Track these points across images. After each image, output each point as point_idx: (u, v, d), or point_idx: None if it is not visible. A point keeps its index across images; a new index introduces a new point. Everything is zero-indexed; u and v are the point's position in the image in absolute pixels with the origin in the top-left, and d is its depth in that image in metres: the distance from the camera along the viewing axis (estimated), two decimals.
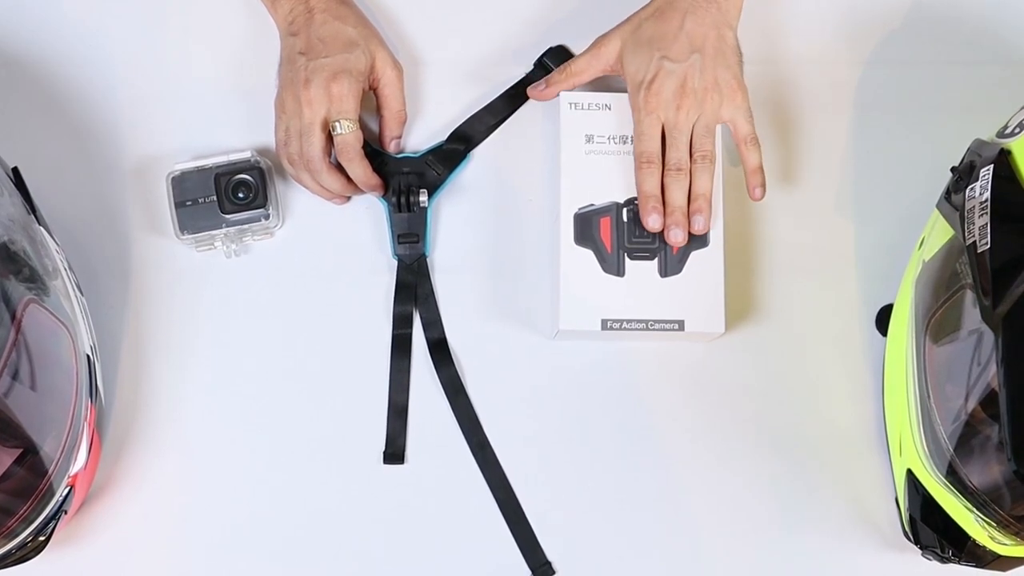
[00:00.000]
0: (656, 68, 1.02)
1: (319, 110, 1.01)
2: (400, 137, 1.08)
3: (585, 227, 1.02)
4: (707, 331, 1.02)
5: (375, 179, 1.04)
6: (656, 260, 1.02)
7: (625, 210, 1.02)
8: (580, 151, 1.04)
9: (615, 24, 1.06)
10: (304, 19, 1.04)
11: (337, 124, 1.01)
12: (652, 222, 1.01)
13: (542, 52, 1.10)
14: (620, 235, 1.02)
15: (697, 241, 1.02)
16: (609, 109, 1.04)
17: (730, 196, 1.06)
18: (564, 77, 1.06)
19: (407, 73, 1.09)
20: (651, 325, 1.01)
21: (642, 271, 1.02)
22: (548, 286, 1.04)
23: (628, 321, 1.01)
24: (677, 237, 1.01)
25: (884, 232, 1.09)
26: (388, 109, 1.06)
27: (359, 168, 1.03)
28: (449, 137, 1.09)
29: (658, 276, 1.02)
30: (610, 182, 1.03)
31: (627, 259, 1.02)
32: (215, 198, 1.04)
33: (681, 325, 1.01)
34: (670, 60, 1.01)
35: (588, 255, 1.02)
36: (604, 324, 1.01)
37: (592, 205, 1.03)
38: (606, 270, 1.02)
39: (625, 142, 1.04)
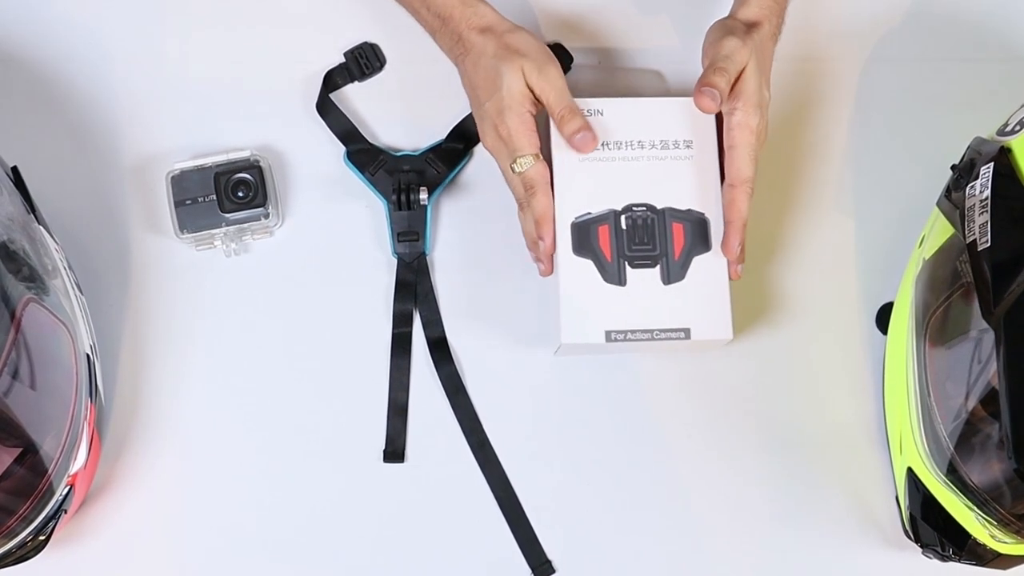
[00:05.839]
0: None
1: (503, 156, 1.00)
2: (579, 131, 0.99)
3: (583, 236, 0.99)
4: (714, 338, 0.99)
5: (548, 215, 0.99)
6: (658, 267, 0.99)
7: (623, 217, 0.99)
8: (574, 158, 1.00)
9: (611, 23, 1.05)
10: (461, 58, 1.02)
11: (515, 165, 0.99)
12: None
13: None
14: (619, 243, 0.99)
15: (699, 245, 1.00)
16: (602, 115, 1.01)
17: None
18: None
19: (411, 70, 1.09)
20: (656, 335, 0.98)
21: (644, 279, 0.99)
22: (547, 292, 1.02)
23: (632, 332, 0.98)
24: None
25: (884, 230, 1.08)
26: (551, 113, 1.00)
27: (539, 200, 0.99)
28: (449, 135, 1.09)
29: (661, 284, 0.99)
30: (606, 189, 0.99)
31: (628, 267, 0.99)
32: (215, 197, 1.04)
33: (687, 333, 0.98)
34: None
35: (588, 265, 0.99)
36: (608, 336, 0.98)
37: (589, 213, 0.99)
38: (607, 280, 0.99)
39: (619, 147, 1.01)
